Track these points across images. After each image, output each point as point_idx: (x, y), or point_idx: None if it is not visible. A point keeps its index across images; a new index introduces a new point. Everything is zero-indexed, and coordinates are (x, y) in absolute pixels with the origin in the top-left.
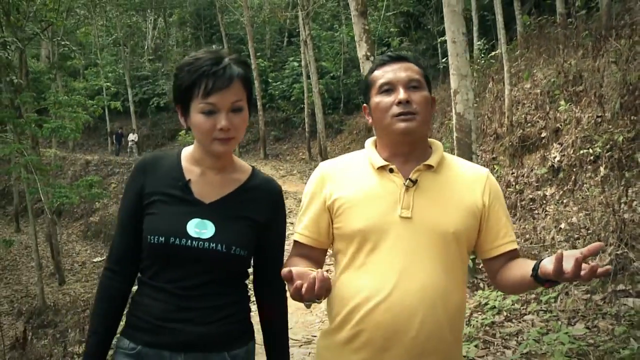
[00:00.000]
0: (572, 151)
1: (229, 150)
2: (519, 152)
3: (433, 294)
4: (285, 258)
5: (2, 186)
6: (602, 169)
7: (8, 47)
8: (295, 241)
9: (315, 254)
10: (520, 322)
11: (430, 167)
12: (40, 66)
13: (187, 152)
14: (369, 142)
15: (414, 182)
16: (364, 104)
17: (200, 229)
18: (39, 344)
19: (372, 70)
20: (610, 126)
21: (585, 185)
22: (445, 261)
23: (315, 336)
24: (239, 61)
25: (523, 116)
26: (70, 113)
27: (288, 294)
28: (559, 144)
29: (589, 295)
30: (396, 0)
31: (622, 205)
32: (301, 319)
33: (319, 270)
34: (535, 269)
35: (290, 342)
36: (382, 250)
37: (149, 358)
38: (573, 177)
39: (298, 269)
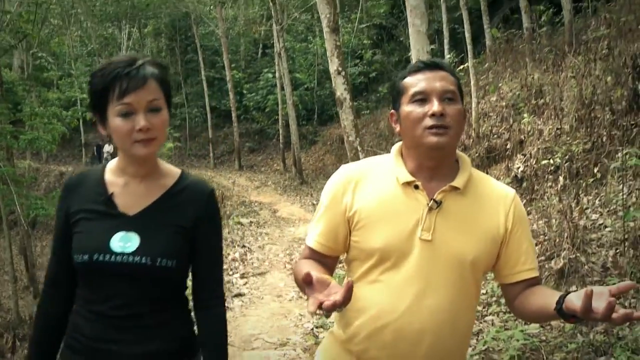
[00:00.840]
0: (534, 162)
1: (151, 152)
2: (485, 163)
3: (443, 319)
4: (223, 263)
5: None
6: (561, 178)
7: None
8: (308, 246)
9: (327, 261)
10: (481, 323)
11: (456, 188)
12: (13, 76)
13: (111, 165)
14: (395, 150)
15: (439, 203)
16: (392, 110)
17: (124, 242)
18: (13, 358)
19: (404, 76)
20: (568, 138)
21: (546, 194)
22: (460, 287)
23: (289, 339)
24: (154, 63)
25: (489, 128)
26: (46, 125)
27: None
28: (522, 154)
29: None
30: (369, 13)
31: (577, 213)
32: (277, 323)
33: (348, 279)
34: (560, 302)
35: (266, 345)
36: (399, 271)
37: None
38: (535, 187)
39: (318, 275)
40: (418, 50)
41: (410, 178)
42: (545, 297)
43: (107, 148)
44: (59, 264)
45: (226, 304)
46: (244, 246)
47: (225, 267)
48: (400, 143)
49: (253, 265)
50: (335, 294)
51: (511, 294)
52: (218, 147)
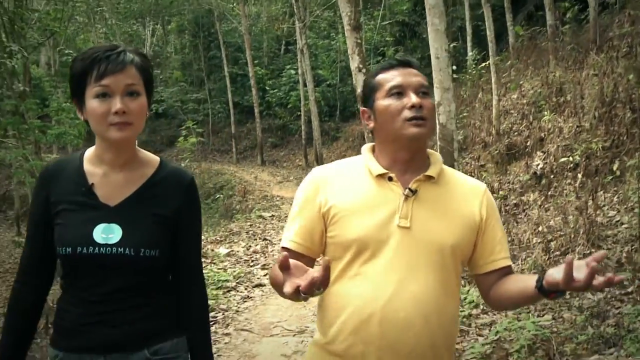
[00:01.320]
0: (553, 159)
1: (126, 137)
2: (505, 160)
3: (428, 307)
4: (201, 251)
5: (3, 191)
6: (579, 175)
7: (14, 55)
8: (283, 247)
9: (304, 262)
10: (495, 315)
11: (430, 177)
12: (40, 72)
13: (89, 154)
14: (366, 149)
15: (414, 192)
16: (363, 108)
17: (106, 234)
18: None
19: (376, 73)
20: (588, 135)
21: (564, 191)
22: (442, 273)
23: (307, 327)
24: (135, 50)
25: (510, 125)
26: (72, 120)
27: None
28: (542, 152)
29: None
30: (391, 10)
31: (592, 209)
32: (295, 312)
33: (325, 258)
34: (540, 280)
35: (285, 332)
36: (379, 260)
37: None
38: (554, 184)
39: (294, 261)
40: (437, 48)
41: (383, 170)
42: (523, 281)
43: None
44: (34, 253)
45: (247, 293)
46: (265, 239)
47: (246, 258)
48: (369, 144)
49: (274, 257)
50: (314, 275)
51: (487, 284)
52: (241, 143)
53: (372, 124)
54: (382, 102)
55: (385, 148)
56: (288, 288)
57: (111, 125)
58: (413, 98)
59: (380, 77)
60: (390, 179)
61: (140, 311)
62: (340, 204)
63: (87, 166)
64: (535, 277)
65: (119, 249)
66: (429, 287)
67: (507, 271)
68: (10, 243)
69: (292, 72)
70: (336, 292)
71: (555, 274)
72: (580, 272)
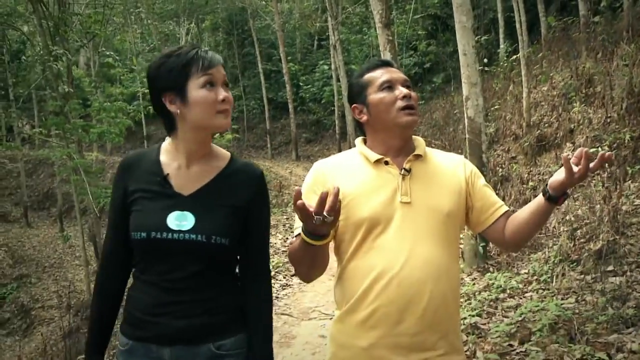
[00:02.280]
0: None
1: (229, 124)
2: (535, 152)
3: (437, 268)
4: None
5: (47, 188)
6: (607, 165)
7: (59, 58)
8: (298, 234)
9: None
10: (521, 298)
11: (419, 156)
12: (80, 73)
13: (165, 147)
14: (359, 141)
15: (409, 171)
16: (354, 104)
17: (180, 221)
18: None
19: (363, 74)
20: (617, 126)
21: (593, 181)
22: (443, 238)
23: None
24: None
25: (540, 117)
26: (113, 118)
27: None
28: (571, 143)
29: (582, 276)
30: (423, 4)
31: (621, 198)
32: (332, 299)
33: (334, 185)
34: (546, 191)
35: (322, 316)
36: (389, 233)
37: (138, 352)
38: None
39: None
40: (464, 45)
41: (379, 156)
42: (530, 205)
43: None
44: (117, 240)
45: (286, 281)
46: None
47: (284, 249)
48: (361, 137)
49: None
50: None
51: (498, 231)
52: (275, 138)
53: (365, 117)
54: (375, 96)
55: (379, 137)
56: (299, 213)
57: (218, 112)
58: (403, 90)
59: (369, 75)
60: (386, 162)
61: (206, 304)
62: (347, 190)
63: (164, 158)
64: (540, 196)
65: (192, 235)
66: (435, 251)
67: (509, 214)
68: (54, 239)
69: (325, 67)
70: (354, 267)
71: (558, 176)
72: (575, 164)
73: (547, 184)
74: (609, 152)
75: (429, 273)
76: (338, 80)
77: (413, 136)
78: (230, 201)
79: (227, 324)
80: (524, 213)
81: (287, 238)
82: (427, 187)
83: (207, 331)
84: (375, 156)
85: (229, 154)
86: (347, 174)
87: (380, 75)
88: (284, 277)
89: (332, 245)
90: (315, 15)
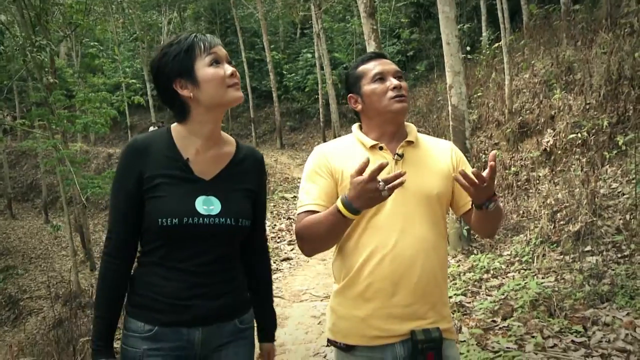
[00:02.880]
0: (563, 135)
1: (242, 96)
2: (517, 138)
3: (427, 245)
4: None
5: (30, 180)
6: (586, 151)
7: (43, 49)
8: (306, 211)
9: None
10: (503, 278)
11: (411, 142)
12: (60, 63)
13: (177, 131)
14: (356, 127)
15: (401, 156)
16: (350, 95)
17: (207, 205)
18: (79, 322)
19: (357, 66)
20: (596, 112)
21: (572, 166)
22: (433, 218)
23: None
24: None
25: (522, 104)
26: (96, 109)
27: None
28: (552, 129)
29: (562, 256)
30: None
31: (599, 182)
32: (322, 282)
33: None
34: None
35: (313, 298)
36: (383, 213)
37: (166, 337)
38: (563, 159)
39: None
40: (447, 35)
41: (374, 142)
42: None
43: (152, 129)
44: (128, 225)
45: (276, 266)
46: (289, 218)
47: (273, 235)
48: (357, 124)
49: None
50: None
51: (470, 217)
52: (260, 127)
53: (360, 106)
54: (369, 87)
55: (373, 124)
56: (363, 187)
57: (229, 87)
58: (394, 81)
59: (362, 67)
60: (381, 148)
61: (232, 283)
62: (347, 172)
63: (179, 142)
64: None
65: (221, 219)
66: (426, 229)
67: None
68: (39, 230)
69: (309, 55)
70: (351, 245)
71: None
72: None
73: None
74: (493, 152)
75: (419, 250)
76: (322, 68)
77: (405, 123)
78: (245, 185)
79: (246, 300)
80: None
81: (275, 225)
82: (418, 171)
83: (234, 309)
84: (370, 142)
85: (232, 138)
86: (345, 157)
87: (372, 68)
88: (274, 262)
89: None
90: (299, 4)
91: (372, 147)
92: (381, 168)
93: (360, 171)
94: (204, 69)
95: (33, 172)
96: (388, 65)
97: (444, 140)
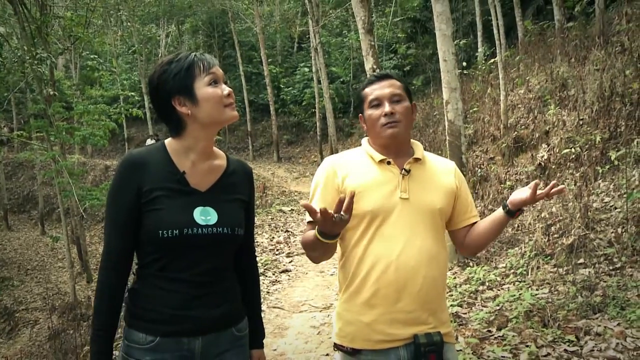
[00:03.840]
0: (557, 150)
1: (237, 115)
2: (512, 152)
3: (429, 255)
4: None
5: (27, 191)
6: (579, 165)
7: (43, 61)
8: (309, 221)
9: None
10: (499, 290)
11: (418, 159)
12: (58, 75)
13: (172, 146)
14: (365, 141)
15: (408, 171)
16: (360, 114)
17: (205, 216)
18: (76, 334)
19: (363, 88)
20: (589, 128)
21: (566, 180)
22: (435, 231)
23: (332, 304)
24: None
25: (517, 119)
26: (95, 121)
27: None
28: (546, 144)
29: (555, 268)
30: (403, 7)
31: (592, 196)
32: (320, 293)
33: (350, 190)
34: (506, 206)
35: (312, 309)
36: (388, 224)
37: (167, 347)
38: (557, 174)
39: (322, 207)
40: (444, 52)
41: (383, 157)
42: (490, 216)
43: (150, 142)
44: (125, 238)
45: (275, 277)
46: (287, 231)
47: (271, 248)
48: (366, 138)
49: (297, 246)
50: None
51: (461, 235)
52: (257, 140)
53: (364, 127)
54: (367, 112)
55: (377, 142)
56: (318, 215)
57: (226, 106)
58: (386, 107)
59: (366, 90)
60: (388, 163)
61: (229, 292)
62: (354, 184)
63: (174, 157)
64: (500, 208)
65: (218, 228)
66: (428, 241)
67: (474, 226)
68: (35, 241)
69: (306, 69)
70: (357, 253)
71: (518, 195)
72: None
73: (506, 200)
74: (562, 186)
75: (422, 260)
76: (319, 82)
77: (413, 141)
78: (238, 195)
79: (241, 308)
80: (485, 222)
81: (273, 237)
82: (423, 186)
83: (232, 317)
84: (379, 156)
85: (222, 152)
86: (354, 170)
87: (371, 93)
88: (273, 274)
89: None
90: (296, 17)
91: (381, 161)
92: (340, 202)
93: (340, 204)
94: (203, 88)
95: (29, 184)
96: (386, 90)
97: (448, 160)
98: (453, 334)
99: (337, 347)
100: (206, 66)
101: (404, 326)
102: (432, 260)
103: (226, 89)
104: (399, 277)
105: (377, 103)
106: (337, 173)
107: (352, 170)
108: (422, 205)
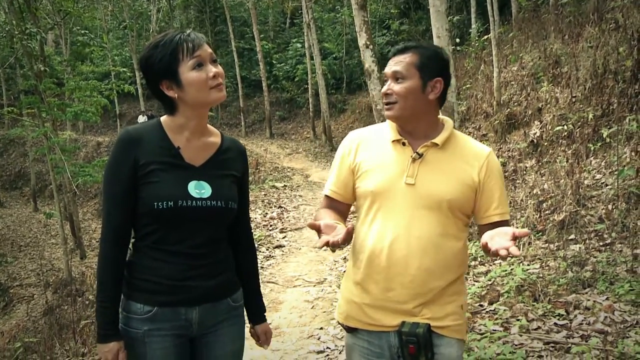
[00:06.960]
0: (550, 127)
1: (224, 96)
2: (505, 129)
3: (427, 246)
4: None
5: (18, 168)
6: (571, 142)
7: (33, 37)
8: (325, 195)
9: (341, 207)
10: (491, 265)
11: (436, 144)
12: (49, 50)
13: (167, 123)
14: None
15: (420, 155)
16: None
17: (199, 189)
18: (71, 309)
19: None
20: (582, 105)
21: (558, 157)
22: (441, 222)
23: (325, 279)
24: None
25: (510, 96)
26: (86, 97)
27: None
28: (539, 121)
29: (546, 244)
30: None
31: (583, 173)
32: (314, 268)
33: (349, 225)
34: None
35: (306, 283)
36: (388, 209)
37: (165, 317)
38: (549, 151)
39: (326, 222)
40: (438, 28)
41: (398, 137)
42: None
43: (142, 119)
44: (124, 211)
45: (269, 253)
46: (280, 207)
47: (264, 223)
48: None
49: (290, 222)
50: (339, 234)
51: (482, 233)
52: (249, 116)
53: None
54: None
55: None
56: (319, 244)
57: (212, 88)
58: (384, 88)
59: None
60: (403, 143)
61: (224, 263)
62: (365, 162)
63: (170, 133)
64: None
65: (212, 202)
66: (428, 230)
67: (501, 224)
68: (28, 218)
69: (299, 45)
70: (359, 233)
71: (484, 238)
72: (502, 239)
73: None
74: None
75: (416, 250)
76: (311, 58)
77: (444, 118)
78: (231, 171)
79: (236, 280)
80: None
81: (266, 213)
82: (435, 173)
83: (227, 287)
84: (394, 137)
85: (217, 130)
86: (369, 147)
87: (386, 68)
88: (267, 249)
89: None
90: None
91: (395, 141)
92: (325, 243)
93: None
94: (187, 73)
95: (21, 160)
96: (392, 67)
97: (482, 147)
98: (459, 329)
99: (339, 322)
100: (190, 49)
101: (393, 315)
102: (429, 252)
103: (212, 71)
104: (390, 265)
105: (385, 79)
106: (353, 149)
107: (368, 147)
108: (428, 194)
